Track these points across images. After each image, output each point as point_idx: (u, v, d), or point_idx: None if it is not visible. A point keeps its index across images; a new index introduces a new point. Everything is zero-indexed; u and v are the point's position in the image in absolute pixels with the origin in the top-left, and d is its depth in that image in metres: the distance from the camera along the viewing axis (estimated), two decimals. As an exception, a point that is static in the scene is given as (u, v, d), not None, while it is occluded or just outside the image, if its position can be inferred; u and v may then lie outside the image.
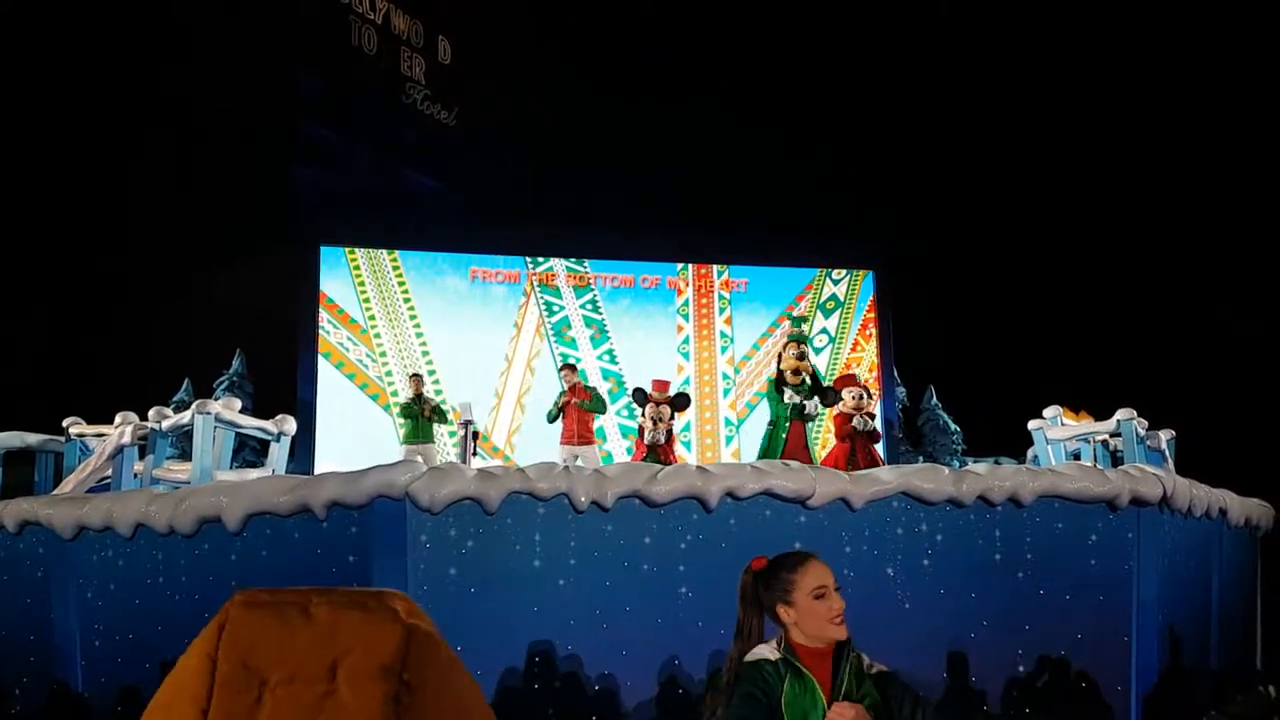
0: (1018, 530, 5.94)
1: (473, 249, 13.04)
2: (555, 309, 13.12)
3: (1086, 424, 9.26)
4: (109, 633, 5.96)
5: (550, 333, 13.01)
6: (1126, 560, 5.98)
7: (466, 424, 9.15)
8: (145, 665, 5.73)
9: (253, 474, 7.78)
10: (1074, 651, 5.86)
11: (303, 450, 11.18)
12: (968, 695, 5.72)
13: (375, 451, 9.84)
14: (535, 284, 13.11)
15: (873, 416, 8.16)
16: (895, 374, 14.08)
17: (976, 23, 14.68)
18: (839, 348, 13.71)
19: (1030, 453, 9.77)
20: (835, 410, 8.07)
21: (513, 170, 13.85)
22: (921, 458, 13.60)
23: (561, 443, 9.15)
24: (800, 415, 7.71)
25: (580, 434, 9.13)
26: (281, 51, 13.33)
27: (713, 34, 14.87)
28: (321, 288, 12.43)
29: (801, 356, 7.93)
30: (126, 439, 7.74)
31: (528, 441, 12.27)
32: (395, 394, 12.08)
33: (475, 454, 9.23)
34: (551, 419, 9.32)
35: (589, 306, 13.22)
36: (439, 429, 10.76)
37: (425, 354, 12.58)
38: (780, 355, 8.09)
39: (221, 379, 13.05)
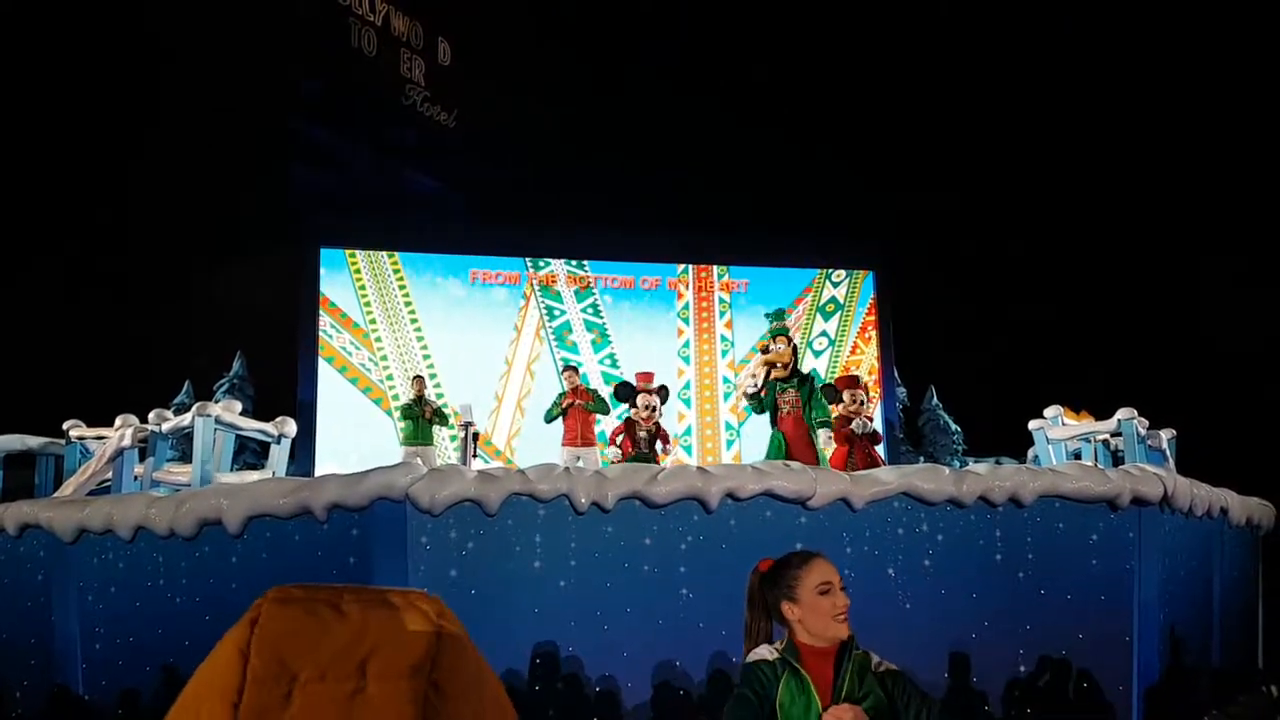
0: (1019, 530, 5.93)
1: (473, 249, 13.07)
2: (556, 313, 13.12)
3: (1087, 424, 9.25)
4: (110, 635, 5.95)
5: (551, 336, 13.01)
6: (1128, 560, 5.97)
7: (467, 426, 9.17)
8: (146, 668, 5.73)
9: (253, 476, 7.79)
10: (1075, 651, 5.84)
11: (303, 452, 11.20)
12: (969, 695, 5.72)
13: (375, 453, 9.86)
14: (535, 286, 13.11)
15: (870, 420, 8.15)
16: (895, 374, 14.09)
17: (977, 23, 14.68)
18: (838, 350, 13.72)
19: (1031, 453, 9.77)
20: (835, 412, 8.06)
21: (513, 171, 13.83)
22: (922, 458, 13.60)
23: (563, 444, 9.16)
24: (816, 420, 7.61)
25: (583, 435, 9.16)
26: (281, 52, 13.32)
27: (713, 34, 14.86)
28: (323, 291, 12.46)
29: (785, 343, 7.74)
30: (127, 441, 7.74)
31: (527, 444, 12.29)
32: (396, 397, 12.09)
33: (475, 455, 9.24)
34: (550, 419, 9.31)
35: (590, 310, 13.22)
36: (439, 431, 10.77)
37: (426, 357, 12.61)
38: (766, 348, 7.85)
39: (222, 381, 13.06)
